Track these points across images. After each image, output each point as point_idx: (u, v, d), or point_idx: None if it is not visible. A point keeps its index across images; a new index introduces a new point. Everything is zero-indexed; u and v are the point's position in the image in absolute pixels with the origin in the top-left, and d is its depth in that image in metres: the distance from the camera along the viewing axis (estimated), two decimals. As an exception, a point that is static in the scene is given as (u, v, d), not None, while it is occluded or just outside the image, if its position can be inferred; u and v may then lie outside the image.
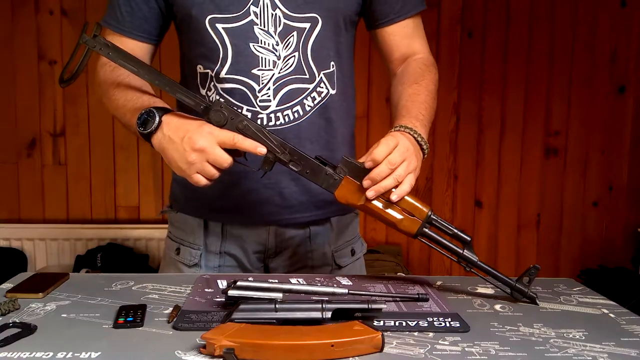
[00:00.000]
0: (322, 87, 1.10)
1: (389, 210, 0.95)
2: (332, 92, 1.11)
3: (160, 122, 0.96)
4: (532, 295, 0.95)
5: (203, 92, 1.10)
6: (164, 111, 0.97)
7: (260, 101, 1.07)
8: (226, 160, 0.93)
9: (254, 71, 1.06)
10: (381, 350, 0.73)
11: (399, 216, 0.95)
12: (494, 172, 2.88)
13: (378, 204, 0.95)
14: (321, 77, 1.09)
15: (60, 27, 2.71)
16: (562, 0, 2.80)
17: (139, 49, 1.12)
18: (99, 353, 0.72)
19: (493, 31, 2.80)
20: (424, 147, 1.00)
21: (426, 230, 0.96)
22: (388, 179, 0.92)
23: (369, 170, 0.93)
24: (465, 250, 0.96)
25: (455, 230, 0.96)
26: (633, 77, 2.86)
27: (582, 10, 2.81)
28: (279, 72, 1.06)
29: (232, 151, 0.94)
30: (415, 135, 0.99)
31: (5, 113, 2.74)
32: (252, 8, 1.04)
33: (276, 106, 1.07)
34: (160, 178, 2.80)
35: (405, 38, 1.16)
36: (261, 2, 1.04)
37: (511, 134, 2.86)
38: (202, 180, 0.94)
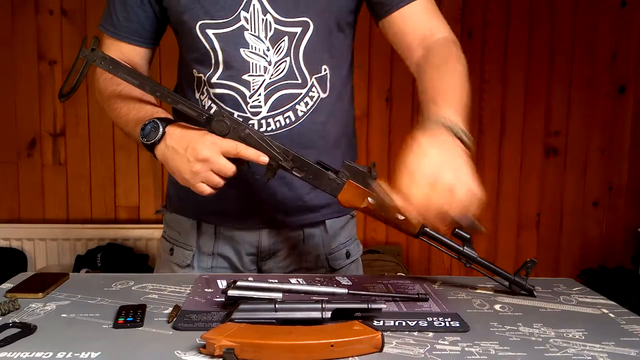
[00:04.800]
0: (314, 92, 1.08)
1: None
2: (323, 95, 1.10)
3: (163, 133, 0.96)
4: (530, 288, 0.99)
5: (197, 95, 1.10)
6: (167, 122, 0.98)
7: (251, 107, 1.06)
8: (230, 168, 0.95)
9: (245, 77, 1.05)
10: (381, 350, 0.73)
11: (400, 217, 0.96)
12: (494, 172, 2.88)
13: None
14: (313, 82, 1.08)
15: (60, 27, 2.72)
16: (562, 0, 2.80)
17: (136, 53, 1.12)
18: (99, 353, 0.72)
19: (493, 31, 2.80)
20: (465, 138, 0.88)
21: (427, 229, 0.98)
22: (431, 218, 0.81)
23: (370, 173, 0.96)
24: (465, 247, 0.98)
25: (457, 230, 0.97)
26: (633, 77, 2.86)
27: (582, 10, 2.81)
28: (270, 78, 1.05)
29: (235, 160, 0.95)
30: (452, 126, 0.87)
31: (5, 113, 2.74)
32: (243, 13, 1.02)
33: (267, 112, 1.06)
34: (160, 178, 2.80)
35: (417, 20, 1.07)
36: (252, 7, 1.02)
37: (511, 134, 2.86)
38: (207, 189, 0.96)
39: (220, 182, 0.96)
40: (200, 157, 0.93)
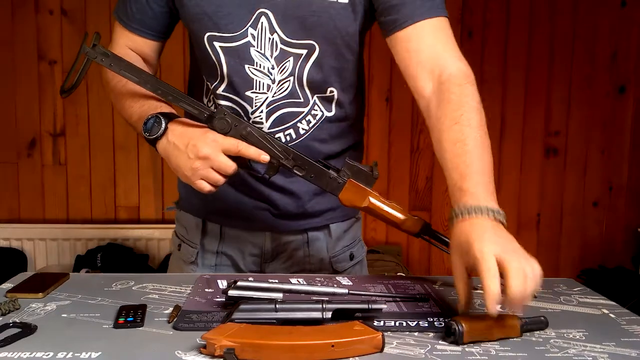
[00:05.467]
0: (317, 110, 1.08)
1: (392, 211, 0.97)
2: (329, 114, 1.09)
3: (166, 128, 0.96)
4: None
5: (205, 100, 1.11)
6: (169, 117, 0.98)
7: (252, 123, 1.05)
8: (230, 166, 0.95)
9: (248, 93, 1.05)
10: (381, 350, 0.73)
11: (401, 216, 0.97)
12: (494, 172, 2.87)
13: (381, 205, 0.96)
14: (315, 101, 1.07)
15: (60, 27, 2.71)
16: (562, 0, 2.80)
17: (147, 45, 1.12)
18: (99, 353, 0.72)
19: (493, 31, 2.80)
20: (504, 221, 0.84)
21: (428, 228, 0.98)
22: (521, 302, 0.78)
23: (372, 172, 0.96)
24: None
25: None
26: (633, 77, 2.86)
27: (582, 11, 2.81)
28: (273, 96, 1.05)
29: (236, 158, 0.95)
30: (494, 215, 0.83)
31: (5, 113, 2.74)
32: (250, 30, 1.02)
33: (268, 128, 1.06)
34: (160, 178, 2.80)
35: (423, 43, 1.00)
36: (259, 25, 1.02)
37: (511, 134, 2.86)
38: (206, 187, 0.96)
39: (220, 179, 0.96)
40: (201, 155, 0.93)
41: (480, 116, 0.94)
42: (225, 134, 0.95)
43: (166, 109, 1.01)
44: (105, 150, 2.78)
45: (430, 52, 1.00)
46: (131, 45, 1.11)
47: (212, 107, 1.07)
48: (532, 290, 0.76)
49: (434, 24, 1.01)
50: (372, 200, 0.97)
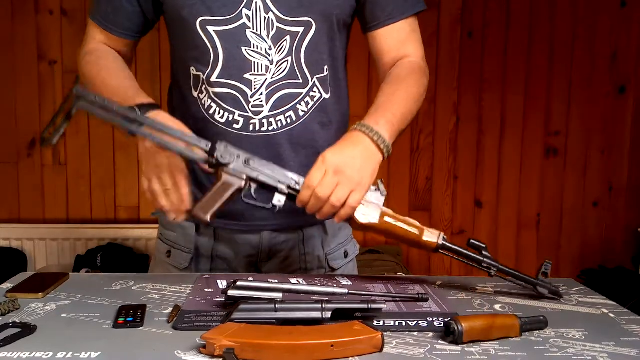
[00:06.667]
0: (315, 92, 1.08)
1: (409, 228, 0.97)
2: (326, 96, 1.10)
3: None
4: (556, 290, 0.98)
5: (195, 94, 1.09)
6: (151, 107, 0.97)
7: (252, 106, 1.05)
8: (179, 165, 0.96)
9: (246, 76, 1.05)
10: (381, 350, 0.73)
11: (418, 232, 0.97)
12: (494, 172, 2.88)
13: (397, 223, 0.96)
14: (314, 82, 1.08)
15: (60, 27, 2.72)
16: (562, 0, 2.80)
17: (123, 44, 1.14)
18: (99, 353, 0.72)
19: (493, 31, 2.80)
20: (382, 147, 0.97)
21: (445, 242, 0.98)
22: (325, 208, 0.94)
23: (378, 190, 0.97)
24: (484, 257, 0.98)
25: (472, 240, 0.97)
26: (633, 77, 2.86)
27: (582, 10, 2.81)
28: (272, 77, 1.05)
29: (246, 194, 0.96)
30: (372, 135, 0.97)
31: (5, 113, 2.74)
32: (245, 11, 1.02)
33: (269, 111, 1.06)
34: (160, 178, 2.80)
35: (397, 41, 1.12)
36: (254, 5, 1.01)
37: (511, 134, 2.86)
38: (146, 184, 1.01)
39: (168, 182, 0.98)
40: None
41: (417, 89, 1.07)
42: (229, 163, 0.94)
43: (147, 99, 1.00)
44: (105, 150, 2.78)
45: (398, 52, 1.12)
46: (106, 42, 1.13)
47: (207, 100, 1.07)
48: (320, 201, 0.92)
49: (410, 25, 1.12)
50: (388, 219, 0.96)
